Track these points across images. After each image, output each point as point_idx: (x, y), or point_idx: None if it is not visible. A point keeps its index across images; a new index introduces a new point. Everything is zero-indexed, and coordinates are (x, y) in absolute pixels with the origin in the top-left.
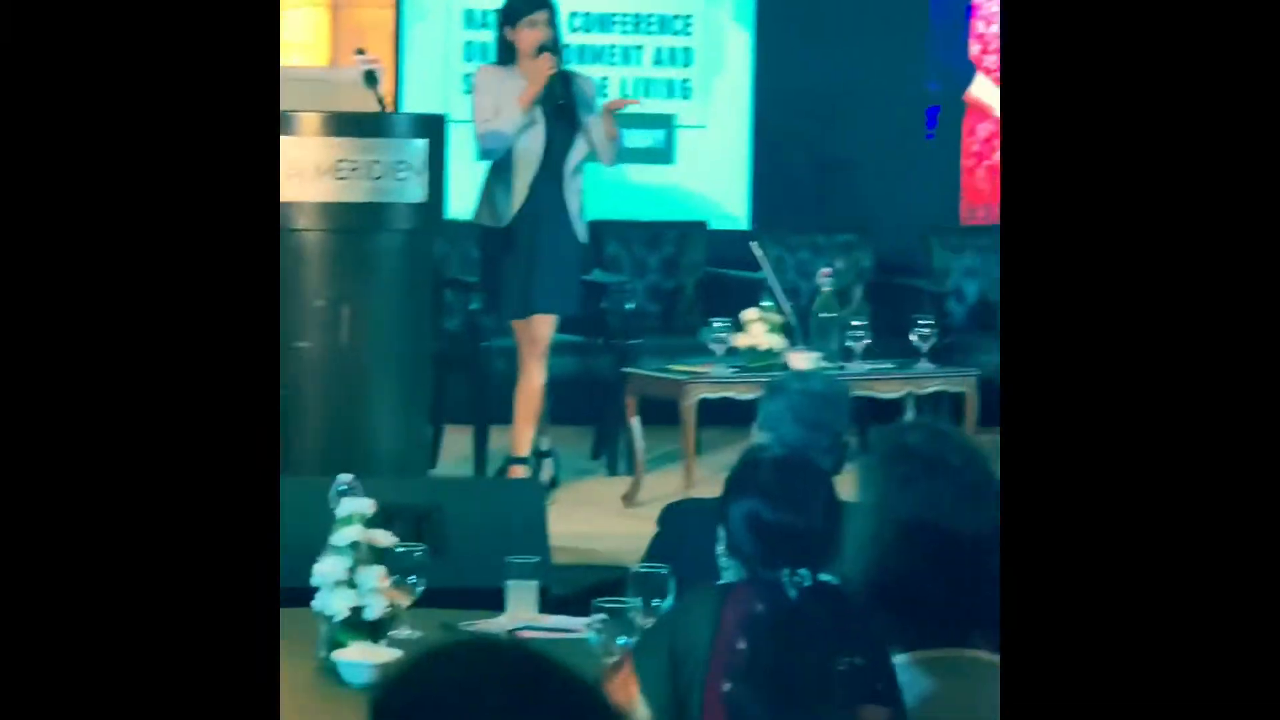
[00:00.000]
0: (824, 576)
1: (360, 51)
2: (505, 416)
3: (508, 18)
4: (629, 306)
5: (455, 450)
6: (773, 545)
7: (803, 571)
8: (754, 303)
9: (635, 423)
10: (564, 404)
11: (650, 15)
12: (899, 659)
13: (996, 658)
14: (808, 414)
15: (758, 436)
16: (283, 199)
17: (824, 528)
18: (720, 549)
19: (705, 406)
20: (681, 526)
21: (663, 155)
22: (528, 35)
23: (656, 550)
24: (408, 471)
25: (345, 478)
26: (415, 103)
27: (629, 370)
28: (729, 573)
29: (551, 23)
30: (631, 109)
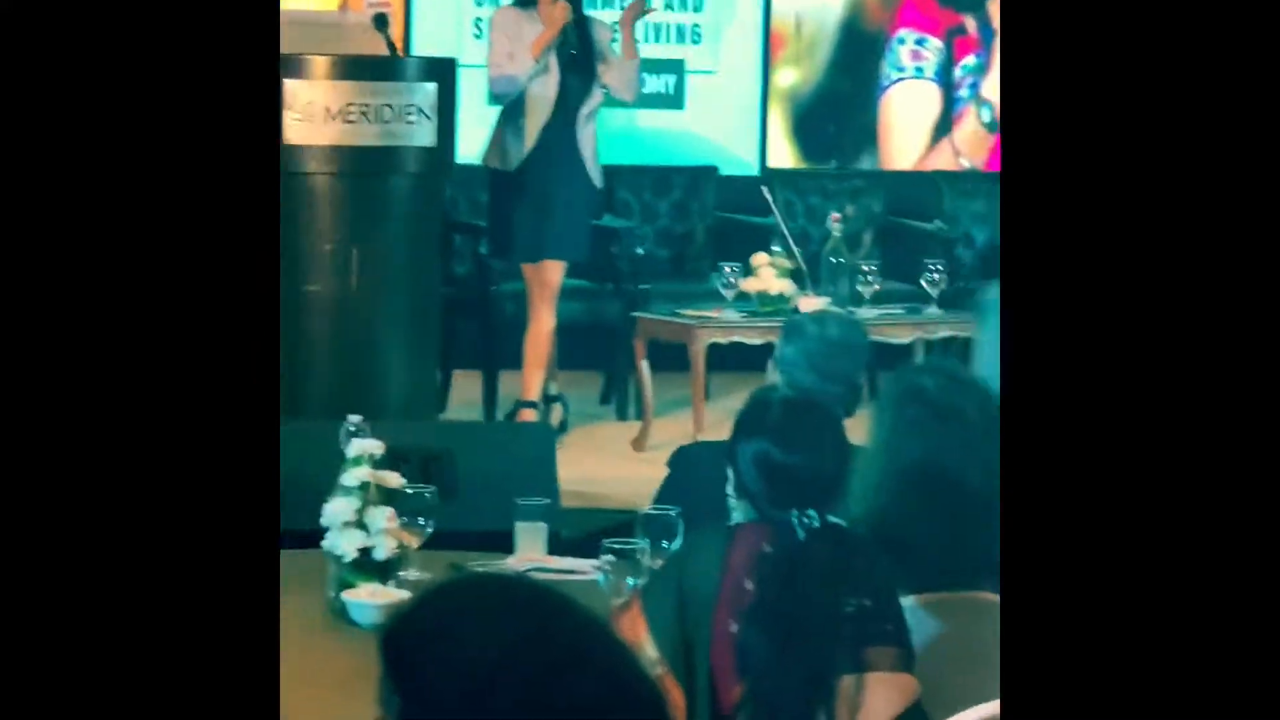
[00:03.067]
0: (832, 518)
1: None
2: (515, 361)
3: None
4: (639, 251)
5: (465, 395)
6: (781, 486)
7: (811, 512)
8: (764, 247)
9: (644, 367)
10: (574, 349)
11: None
12: (907, 601)
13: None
14: (823, 362)
15: (771, 377)
16: (293, 142)
17: (833, 469)
18: (729, 489)
19: (714, 351)
20: (692, 469)
21: (673, 100)
22: None
23: (667, 493)
24: (417, 416)
25: (354, 419)
26: (425, 46)
27: (638, 315)
28: (737, 513)
29: None
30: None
